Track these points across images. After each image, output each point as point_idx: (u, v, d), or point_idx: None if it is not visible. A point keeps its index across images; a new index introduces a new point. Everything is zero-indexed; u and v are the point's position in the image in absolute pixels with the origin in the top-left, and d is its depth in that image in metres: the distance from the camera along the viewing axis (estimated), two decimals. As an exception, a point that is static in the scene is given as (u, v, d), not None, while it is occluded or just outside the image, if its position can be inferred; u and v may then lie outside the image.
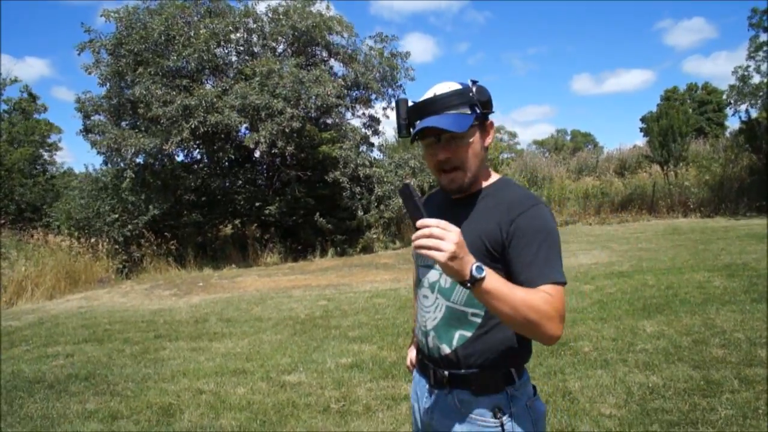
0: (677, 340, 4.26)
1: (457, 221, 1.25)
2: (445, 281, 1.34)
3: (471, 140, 1.29)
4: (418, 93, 1.35)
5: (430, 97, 1.28)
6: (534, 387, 1.40)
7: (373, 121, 14.29)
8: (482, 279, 1.06)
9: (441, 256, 1.03)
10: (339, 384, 3.89)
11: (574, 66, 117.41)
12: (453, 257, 1.03)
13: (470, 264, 1.06)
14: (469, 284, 1.07)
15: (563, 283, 1.21)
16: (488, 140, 1.34)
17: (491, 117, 1.34)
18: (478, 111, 1.28)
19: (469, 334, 1.32)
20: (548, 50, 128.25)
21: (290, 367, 4.34)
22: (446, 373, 1.34)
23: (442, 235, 1.03)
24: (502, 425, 1.28)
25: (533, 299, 1.14)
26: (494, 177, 1.39)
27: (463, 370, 1.32)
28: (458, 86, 1.29)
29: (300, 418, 3.35)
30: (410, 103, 1.32)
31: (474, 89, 1.28)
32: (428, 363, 1.40)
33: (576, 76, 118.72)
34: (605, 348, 4.22)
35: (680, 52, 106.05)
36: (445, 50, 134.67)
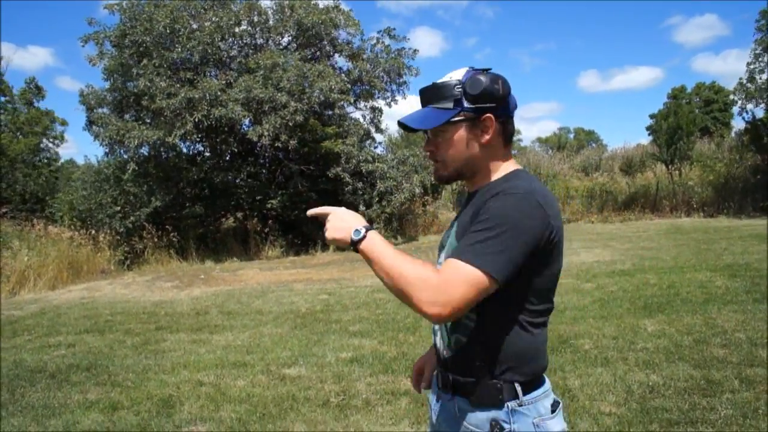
0: (678, 339, 4.26)
1: (461, 215, 1.29)
2: None
3: (453, 137, 1.21)
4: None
5: (423, 87, 1.24)
6: (555, 403, 1.24)
7: (376, 114, 14.24)
8: (359, 240, 1.14)
9: (327, 237, 1.20)
10: (339, 378, 3.89)
11: (581, 62, 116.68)
12: (332, 240, 1.18)
13: (352, 229, 1.16)
14: (352, 248, 1.15)
15: (482, 270, 1.04)
16: (486, 136, 1.20)
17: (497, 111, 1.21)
18: (465, 105, 1.17)
19: (464, 339, 1.21)
20: (556, 46, 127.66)
21: (290, 361, 4.35)
22: (450, 377, 1.25)
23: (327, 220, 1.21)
24: None
25: (407, 267, 1.09)
26: (505, 171, 1.25)
27: (462, 378, 1.23)
28: (458, 75, 1.20)
29: (299, 411, 3.35)
30: None
31: (466, 81, 1.17)
32: (437, 364, 1.34)
33: (583, 73, 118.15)
34: (606, 346, 4.22)
35: (689, 50, 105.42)
36: (453, 45, 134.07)
